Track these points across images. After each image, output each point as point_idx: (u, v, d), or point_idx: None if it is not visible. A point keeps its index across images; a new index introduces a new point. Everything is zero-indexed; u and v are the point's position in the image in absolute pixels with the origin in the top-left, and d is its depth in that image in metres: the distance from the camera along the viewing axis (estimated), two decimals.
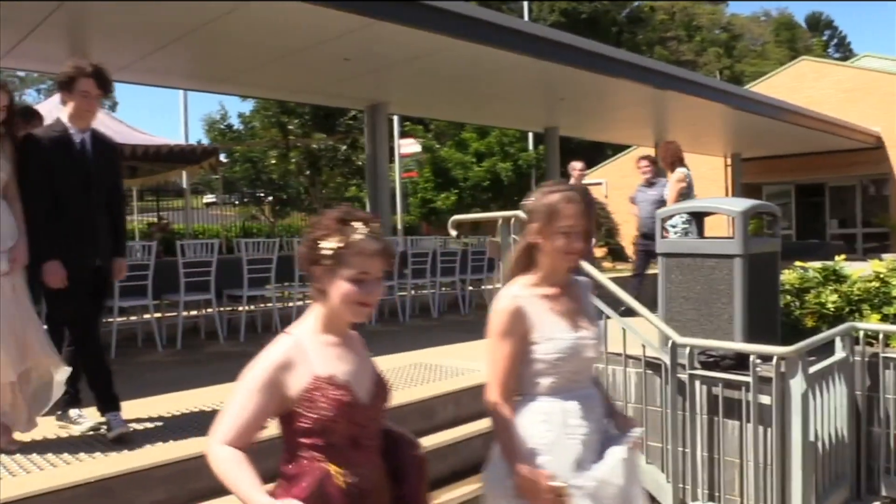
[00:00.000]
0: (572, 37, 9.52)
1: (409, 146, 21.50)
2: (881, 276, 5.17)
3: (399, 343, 6.51)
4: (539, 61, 9.02)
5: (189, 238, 13.34)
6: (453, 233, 5.55)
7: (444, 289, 9.23)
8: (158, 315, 6.87)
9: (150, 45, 7.82)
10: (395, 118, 19.49)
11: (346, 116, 21.79)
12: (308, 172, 22.64)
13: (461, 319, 8.58)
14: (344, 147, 22.19)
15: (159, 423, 3.81)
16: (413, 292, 8.86)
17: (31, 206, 3.51)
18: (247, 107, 27.35)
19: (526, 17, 21.69)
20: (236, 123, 27.32)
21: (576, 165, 8.11)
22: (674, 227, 7.14)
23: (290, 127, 22.05)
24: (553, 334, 2.16)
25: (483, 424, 4.44)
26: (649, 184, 7.31)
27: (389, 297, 8.57)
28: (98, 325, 3.87)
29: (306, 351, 1.73)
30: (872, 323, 4.68)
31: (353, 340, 1.87)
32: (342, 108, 19.41)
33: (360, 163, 21.68)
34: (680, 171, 7.17)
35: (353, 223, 1.75)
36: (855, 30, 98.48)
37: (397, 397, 4.33)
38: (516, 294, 2.20)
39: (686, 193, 7.09)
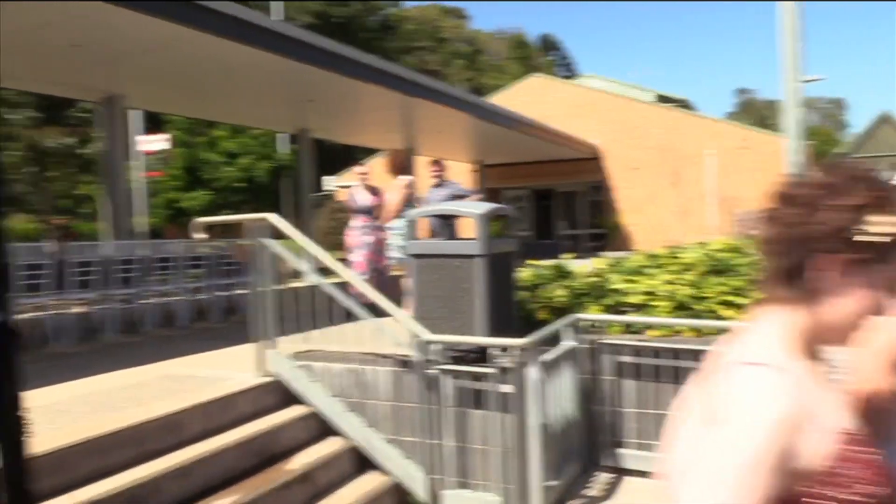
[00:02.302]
0: (319, 37, 9.52)
1: (152, 143, 20.07)
2: (600, 272, 5.83)
3: (143, 355, 6.04)
4: (285, 60, 8.90)
5: None
6: (196, 236, 5.29)
7: (191, 295, 8.75)
8: None
9: None
10: (138, 112, 18.12)
11: (76, 107, 19.87)
12: (36, 169, 20.29)
13: (210, 326, 8.19)
14: (73, 141, 20.20)
15: None
16: (157, 300, 8.28)
17: None
18: None
19: (282, 16, 21.32)
20: None
21: (357, 169, 8.36)
22: (395, 229, 7.49)
23: (9, 117, 19.62)
24: None
25: (235, 436, 4.30)
26: (438, 186, 7.60)
27: (130, 306, 7.93)
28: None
29: (804, 391, 1.02)
30: (593, 314, 5.26)
31: None
32: (73, 98, 17.63)
33: (90, 156, 19.90)
34: (406, 178, 7.62)
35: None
36: (579, 51, 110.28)
37: (140, 414, 4.04)
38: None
39: (410, 199, 7.57)
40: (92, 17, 6.99)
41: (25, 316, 7.16)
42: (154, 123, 21.74)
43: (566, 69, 61.63)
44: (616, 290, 5.45)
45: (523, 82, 24.68)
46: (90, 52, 8.30)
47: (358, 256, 7.68)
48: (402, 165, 7.81)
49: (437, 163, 7.80)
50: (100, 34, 7.67)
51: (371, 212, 7.93)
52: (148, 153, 20.04)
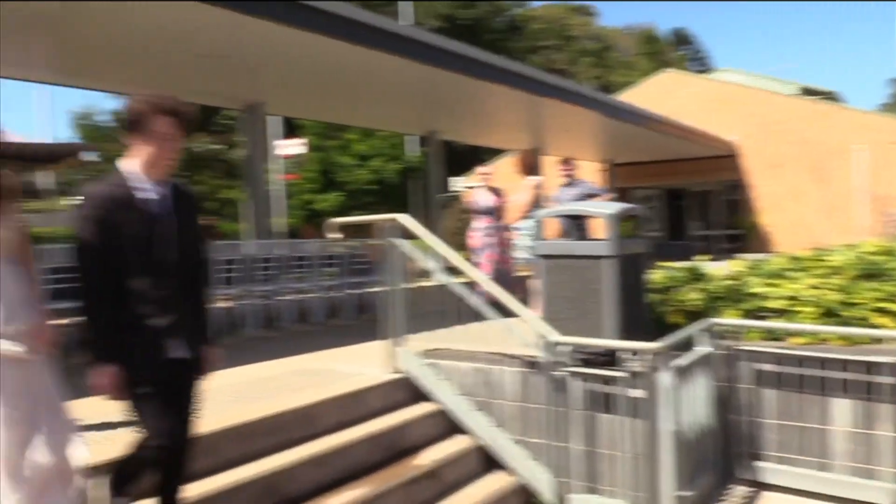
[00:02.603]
0: (447, 40, 9.64)
1: (290, 147, 21.08)
2: (737, 275, 5.56)
3: (280, 349, 6.36)
4: (417, 65, 9.08)
5: (59, 242, 12.44)
6: (330, 236, 5.49)
7: (325, 293, 9.11)
8: None
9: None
10: (276, 118, 19.09)
11: (220, 115, 21.19)
12: (183, 173, 21.85)
13: (343, 324, 8.49)
14: (218, 147, 21.55)
15: None
16: (294, 297, 8.68)
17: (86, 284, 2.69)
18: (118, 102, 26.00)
19: (412, 21, 21.80)
20: (109, 119, 25.98)
21: (480, 169, 8.28)
22: (523, 229, 7.42)
23: None
24: None
25: (366, 429, 4.43)
26: (568, 185, 7.54)
27: (269, 303, 8.36)
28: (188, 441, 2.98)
29: None
30: (729, 318, 5.02)
31: None
32: (218, 106, 18.82)
33: (235, 162, 21.16)
34: (535, 179, 7.53)
35: None
36: (714, 45, 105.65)
37: (279, 405, 4.25)
38: None
39: (539, 199, 7.46)
40: (238, 29, 7.42)
41: None
42: (290, 128, 22.82)
43: (699, 64, 59.22)
44: (755, 295, 5.18)
45: (654, 78, 23.94)
46: (235, 63, 8.82)
47: (481, 257, 7.71)
48: (530, 166, 7.75)
49: (566, 161, 7.68)
50: (244, 45, 8.13)
51: (494, 213, 7.91)
52: (285, 157, 21.06)
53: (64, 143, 17.21)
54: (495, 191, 8.06)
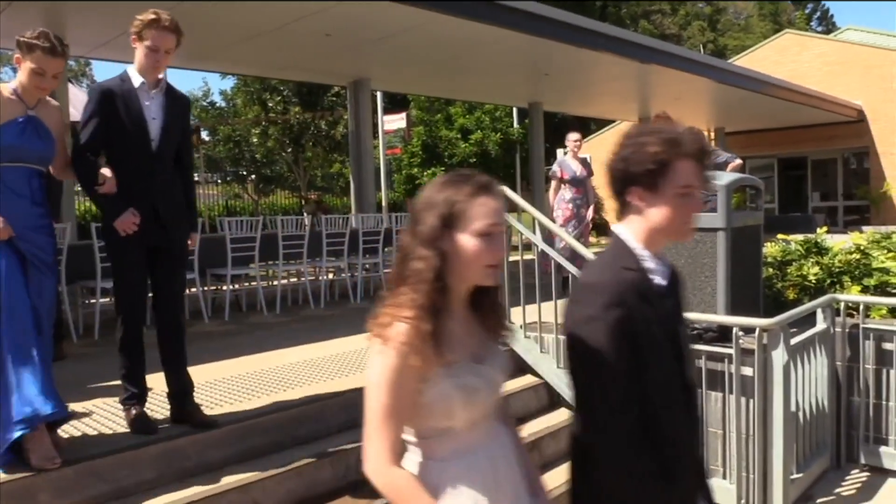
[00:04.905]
0: (555, 10, 9.44)
1: (393, 122, 21.32)
2: (862, 248, 5.23)
3: None
4: (522, 35, 8.96)
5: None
6: None
7: None
8: None
9: (127, 22, 7.67)
10: (379, 93, 19.35)
11: (330, 93, 21.64)
12: (290, 149, 22.49)
13: None
14: (324, 123, 22.02)
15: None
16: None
17: None
18: (229, 83, 27.10)
19: None
20: (219, 101, 27.10)
21: (571, 136, 7.94)
22: None
23: (271, 104, 21.90)
24: None
25: None
26: None
27: (375, 275, 8.56)
28: None
29: None
30: (853, 294, 4.73)
31: None
32: (325, 84, 19.24)
33: (339, 138, 21.58)
34: None
35: None
36: (838, 2, 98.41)
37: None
38: None
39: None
40: (342, 7, 7.53)
41: (286, 282, 8.01)
42: (393, 103, 23.06)
43: (824, 23, 55.52)
44: (881, 269, 4.86)
45: (772, 41, 22.62)
46: (340, 40, 8.98)
47: (568, 229, 7.43)
48: None
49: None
50: (349, 23, 8.25)
51: (582, 183, 7.67)
52: (388, 132, 21.33)
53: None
54: (584, 161, 7.81)
